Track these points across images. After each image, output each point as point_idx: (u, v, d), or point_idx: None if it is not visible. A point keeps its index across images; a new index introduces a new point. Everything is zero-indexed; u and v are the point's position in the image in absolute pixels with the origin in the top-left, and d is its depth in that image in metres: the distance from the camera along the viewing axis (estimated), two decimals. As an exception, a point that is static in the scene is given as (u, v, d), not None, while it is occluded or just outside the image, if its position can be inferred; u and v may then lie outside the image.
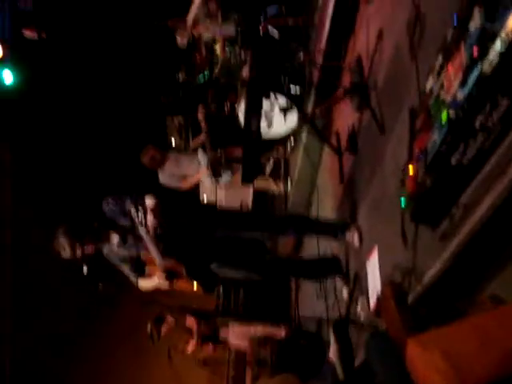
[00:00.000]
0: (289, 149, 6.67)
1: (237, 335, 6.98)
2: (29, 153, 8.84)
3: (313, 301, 5.45)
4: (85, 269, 3.74)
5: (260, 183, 6.92)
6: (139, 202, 3.98)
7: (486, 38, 1.78)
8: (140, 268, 4.24)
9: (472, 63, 1.85)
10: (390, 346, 2.01)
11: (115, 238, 4.08)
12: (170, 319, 6.93)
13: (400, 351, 1.83)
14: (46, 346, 9.10)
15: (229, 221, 4.36)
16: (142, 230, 3.79)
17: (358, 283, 3.87)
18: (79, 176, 9.17)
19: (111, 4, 8.18)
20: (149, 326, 6.92)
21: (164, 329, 6.90)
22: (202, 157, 6.10)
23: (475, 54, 1.82)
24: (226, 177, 6.29)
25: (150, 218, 3.86)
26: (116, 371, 9.89)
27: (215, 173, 6.06)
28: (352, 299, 3.85)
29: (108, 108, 9.04)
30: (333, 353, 3.13)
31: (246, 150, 4.35)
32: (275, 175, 6.93)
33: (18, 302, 8.29)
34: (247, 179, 4.91)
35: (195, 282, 4.24)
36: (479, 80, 1.81)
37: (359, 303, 3.71)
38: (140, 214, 3.80)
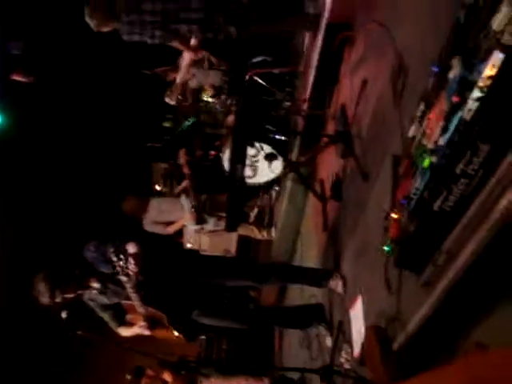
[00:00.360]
0: (273, 196, 6.70)
1: None
2: (14, 196, 8.77)
3: (296, 349, 5.37)
4: (63, 314, 3.67)
5: (244, 230, 6.90)
6: (121, 249, 3.94)
7: (465, 86, 1.83)
8: (120, 315, 4.19)
9: (452, 110, 1.89)
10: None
11: (96, 285, 4.03)
12: (149, 372, 6.77)
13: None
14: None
15: (212, 268, 4.33)
16: (123, 278, 3.73)
17: (341, 331, 3.84)
18: (62, 221, 9.09)
19: (100, 51, 8.28)
20: (128, 377, 6.76)
21: (143, 381, 6.74)
22: (184, 201, 6.09)
23: (455, 101, 1.86)
24: (210, 223, 6.27)
25: (131, 265, 3.82)
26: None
27: (199, 219, 6.05)
28: (336, 347, 3.80)
29: (94, 153, 9.05)
30: None
31: (231, 198, 4.37)
32: (259, 222, 6.92)
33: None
34: (231, 227, 4.92)
35: (175, 331, 4.16)
36: (460, 126, 1.85)
37: (343, 351, 3.67)
38: (121, 262, 3.76)
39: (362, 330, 3.33)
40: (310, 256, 5.52)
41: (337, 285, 4.02)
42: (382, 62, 3.56)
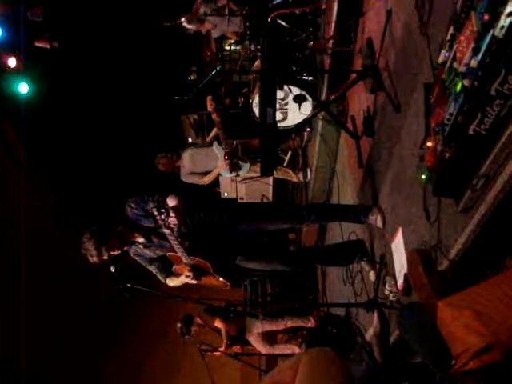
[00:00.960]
0: (305, 138, 6.68)
1: (261, 339, 7.00)
2: (48, 159, 8.95)
3: (340, 287, 5.46)
4: (112, 268, 3.77)
5: (279, 174, 6.93)
6: (161, 203, 4.00)
7: (497, 2, 1.78)
8: (167, 267, 4.28)
9: (484, 29, 1.84)
10: (422, 314, 2.01)
11: (140, 240, 4.12)
12: (198, 320, 7.01)
13: (432, 316, 1.84)
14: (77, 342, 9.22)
15: (251, 214, 4.37)
16: (165, 230, 3.80)
17: (384, 264, 3.88)
18: (99, 181, 9.28)
19: (121, 9, 8.24)
20: (178, 324, 7.02)
21: (193, 328, 6.99)
22: (217, 149, 6.09)
23: (486, 19, 1.82)
24: (244, 169, 6.28)
25: (172, 217, 3.88)
26: (148, 371, 10.02)
27: (233, 166, 6.05)
28: (379, 281, 3.85)
29: (124, 112, 9.12)
30: (372, 333, 3.13)
31: (264, 143, 4.35)
32: (294, 165, 6.94)
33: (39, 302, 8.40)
34: (267, 172, 4.91)
35: (222, 278, 4.24)
36: (492, 45, 1.80)
37: (387, 284, 3.71)
38: (163, 215, 3.82)
39: (405, 261, 3.36)
40: (347, 194, 5.53)
41: (376, 219, 4.04)
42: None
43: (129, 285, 3.62)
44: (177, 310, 7.13)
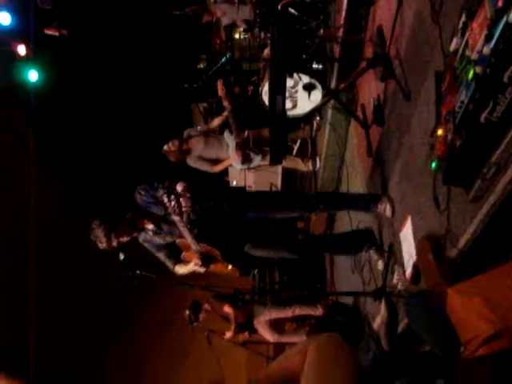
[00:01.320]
0: (315, 126, 6.65)
1: (269, 328, 7.02)
2: (57, 147, 8.98)
3: (348, 275, 5.47)
4: (121, 256, 3.79)
5: (288, 163, 6.91)
6: (170, 190, 4.02)
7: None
8: (176, 254, 4.29)
9: (497, 16, 1.83)
10: (430, 301, 2.02)
11: (150, 226, 4.13)
12: (206, 306, 7.03)
13: (441, 303, 1.84)
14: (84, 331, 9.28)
15: (260, 202, 4.37)
16: (175, 217, 3.81)
17: (392, 253, 3.87)
18: (108, 169, 9.30)
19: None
20: (186, 311, 7.04)
21: (201, 315, 7.01)
22: (228, 139, 6.04)
23: (500, 6, 1.80)
24: (256, 161, 6.23)
25: (182, 204, 3.88)
26: (155, 358, 10.09)
27: (245, 157, 6.01)
28: (388, 270, 3.85)
29: (133, 99, 9.12)
30: (380, 322, 3.13)
31: (273, 131, 4.34)
32: (303, 154, 6.91)
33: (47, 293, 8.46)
34: (276, 160, 4.91)
35: (230, 265, 4.25)
36: (505, 32, 1.79)
37: (395, 273, 3.72)
38: (172, 202, 3.82)
39: (413, 251, 3.36)
40: (356, 183, 5.52)
41: (385, 208, 4.03)
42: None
43: (138, 272, 3.64)
44: (185, 297, 7.14)
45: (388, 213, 4.01)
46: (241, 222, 4.27)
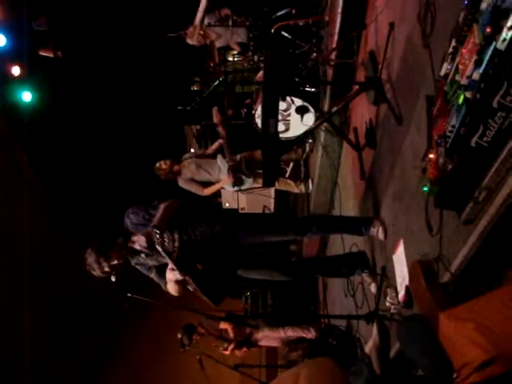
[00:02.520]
0: (307, 149, 6.68)
1: (268, 338, 7.01)
2: (48, 168, 8.97)
3: (341, 298, 5.45)
4: (113, 278, 3.77)
5: (281, 185, 6.93)
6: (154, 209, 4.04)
7: (499, 15, 1.78)
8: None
9: (486, 42, 1.85)
10: (423, 326, 2.00)
11: (138, 247, 4.11)
12: (200, 329, 6.96)
13: (433, 328, 1.83)
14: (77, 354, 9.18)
15: (251, 225, 4.36)
16: (155, 239, 3.82)
17: (385, 277, 3.86)
18: (101, 192, 9.28)
19: (126, 20, 8.29)
20: (178, 334, 6.97)
21: (195, 337, 6.94)
22: (221, 162, 6.08)
23: (488, 32, 1.82)
24: (247, 183, 6.27)
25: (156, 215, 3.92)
26: (147, 380, 9.97)
27: (237, 180, 6.04)
28: (381, 293, 3.84)
29: (127, 121, 9.14)
30: (372, 346, 3.11)
31: (266, 154, 4.35)
32: (296, 176, 6.93)
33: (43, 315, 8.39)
34: (268, 182, 4.92)
35: (202, 295, 4.20)
36: (494, 58, 1.81)
37: (388, 296, 3.70)
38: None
39: (406, 273, 3.35)
40: (348, 206, 5.53)
41: (377, 231, 4.03)
42: (409, 2, 3.48)
43: (129, 294, 3.62)
44: (179, 320, 7.08)
45: (381, 236, 4.01)
46: (233, 245, 4.25)
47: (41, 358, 8.20)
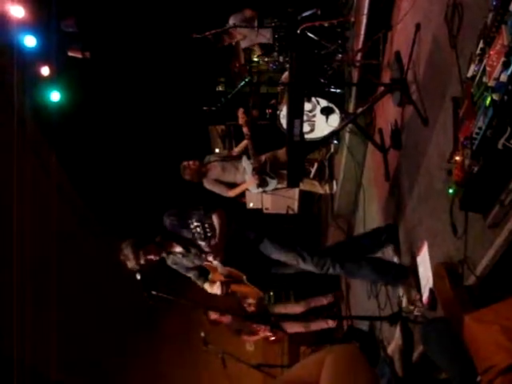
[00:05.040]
0: (332, 150, 6.67)
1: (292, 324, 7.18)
2: (80, 168, 9.07)
3: (364, 300, 5.42)
4: (138, 276, 3.82)
5: (305, 186, 6.92)
6: (204, 218, 4.18)
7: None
8: (205, 274, 4.39)
9: (515, 43, 1.84)
10: (447, 328, 1.99)
11: (178, 249, 4.21)
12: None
13: (458, 330, 1.82)
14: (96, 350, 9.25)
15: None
16: (201, 243, 3.96)
17: (413, 277, 3.83)
18: (129, 191, 9.37)
19: (153, 21, 8.36)
20: (202, 333, 6.99)
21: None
22: (246, 164, 6.09)
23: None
24: (272, 185, 6.26)
25: (214, 234, 4.10)
26: (168, 378, 10.01)
27: (261, 182, 6.06)
28: (405, 295, 3.82)
29: (153, 122, 9.21)
30: (394, 347, 3.10)
31: (291, 154, 4.36)
32: (320, 177, 6.92)
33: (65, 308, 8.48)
34: (293, 183, 4.91)
35: (255, 288, 4.33)
36: (522, 60, 1.80)
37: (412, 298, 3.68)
38: (203, 229, 4.07)
39: (430, 276, 3.33)
40: (372, 207, 5.51)
41: (389, 254, 4.07)
42: (435, 2, 3.45)
43: (153, 292, 3.67)
44: (201, 316, 7.13)
45: (393, 258, 4.05)
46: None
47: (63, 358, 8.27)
